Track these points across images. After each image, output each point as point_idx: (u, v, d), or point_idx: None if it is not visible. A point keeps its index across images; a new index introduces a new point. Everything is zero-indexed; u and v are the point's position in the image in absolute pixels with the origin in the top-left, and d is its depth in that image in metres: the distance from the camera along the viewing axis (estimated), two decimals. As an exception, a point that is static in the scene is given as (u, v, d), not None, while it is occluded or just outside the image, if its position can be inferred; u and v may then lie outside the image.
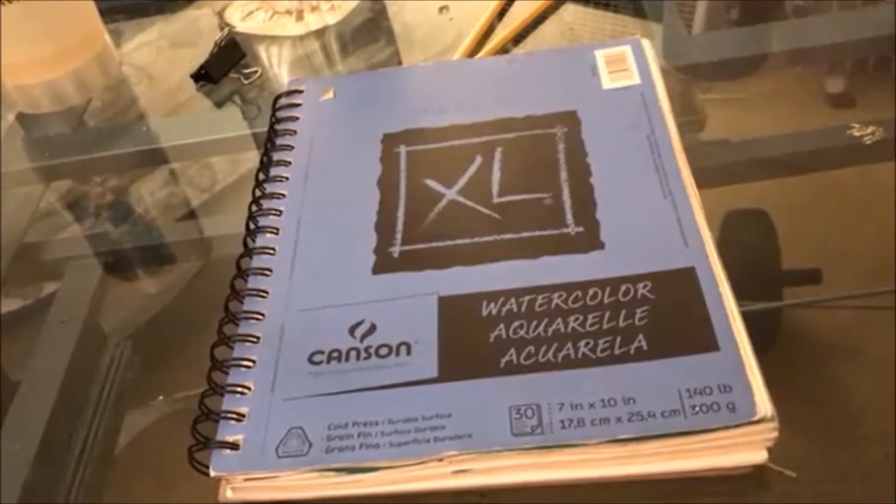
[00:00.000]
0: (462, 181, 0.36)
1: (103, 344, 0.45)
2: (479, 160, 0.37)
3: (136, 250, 0.51)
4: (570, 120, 0.38)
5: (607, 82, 0.39)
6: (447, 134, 0.39)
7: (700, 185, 0.35)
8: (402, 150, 0.38)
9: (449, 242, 0.34)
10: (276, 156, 0.40)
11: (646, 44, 0.41)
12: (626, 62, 0.40)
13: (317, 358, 0.33)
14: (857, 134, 0.45)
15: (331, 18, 0.60)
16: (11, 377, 0.43)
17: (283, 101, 0.43)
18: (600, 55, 0.41)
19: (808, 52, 0.53)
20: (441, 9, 0.60)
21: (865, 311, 0.41)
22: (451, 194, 0.36)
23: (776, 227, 0.42)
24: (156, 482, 0.37)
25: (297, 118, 0.42)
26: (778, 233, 0.42)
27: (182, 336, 0.45)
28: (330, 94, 0.43)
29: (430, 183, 0.36)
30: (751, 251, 0.39)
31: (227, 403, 0.32)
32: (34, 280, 0.51)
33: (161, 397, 0.43)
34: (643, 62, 0.40)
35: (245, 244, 0.37)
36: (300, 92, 0.43)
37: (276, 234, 0.38)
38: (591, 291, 0.33)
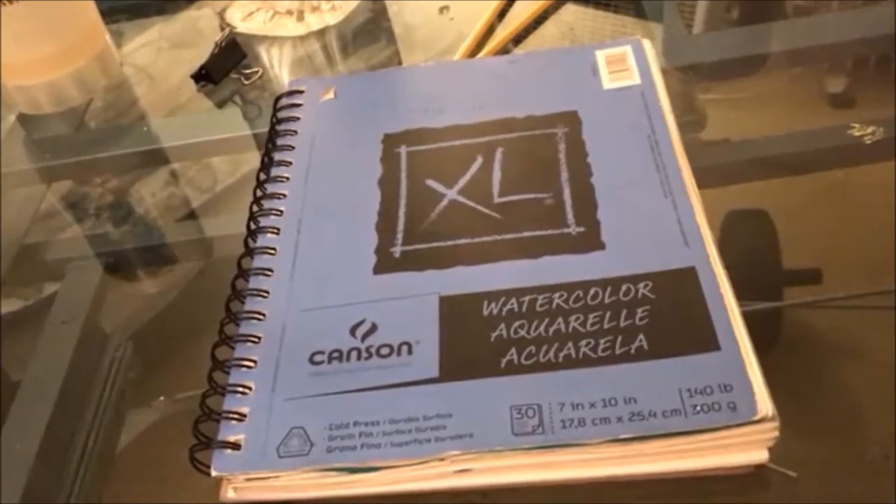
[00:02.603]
0: (463, 181, 0.36)
1: (104, 344, 0.45)
2: (479, 160, 0.37)
3: (137, 251, 0.51)
4: (571, 120, 0.38)
5: (608, 82, 0.39)
6: (448, 134, 0.39)
7: (700, 185, 0.35)
8: (403, 150, 0.38)
9: (450, 242, 0.34)
10: (277, 156, 0.40)
11: (646, 44, 0.41)
12: (627, 62, 0.40)
13: (318, 358, 0.33)
14: (857, 134, 0.45)
15: (331, 19, 0.60)
16: (12, 377, 0.43)
17: (283, 101, 0.43)
18: (601, 55, 0.41)
19: (808, 52, 0.53)
20: (441, 9, 0.60)
21: (865, 311, 0.41)
22: (451, 194, 0.36)
23: (776, 227, 0.42)
24: (157, 482, 0.37)
25: (297, 118, 0.42)
26: (778, 233, 0.42)
27: (183, 336, 0.45)
28: (331, 95, 0.43)
29: (431, 183, 0.36)
30: (751, 251, 0.39)
31: (229, 403, 0.32)
32: (35, 280, 0.51)
33: (162, 397, 0.43)
34: (643, 62, 0.40)
35: (246, 244, 0.37)
36: (301, 92, 0.43)
37: (277, 234, 0.38)
38: (591, 291, 0.33)
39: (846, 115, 0.46)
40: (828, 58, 0.54)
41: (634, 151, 0.36)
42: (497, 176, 0.37)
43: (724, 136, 0.49)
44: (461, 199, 0.36)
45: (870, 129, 0.44)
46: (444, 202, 0.36)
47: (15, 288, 0.50)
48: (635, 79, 0.39)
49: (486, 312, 0.33)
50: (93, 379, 0.43)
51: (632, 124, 0.37)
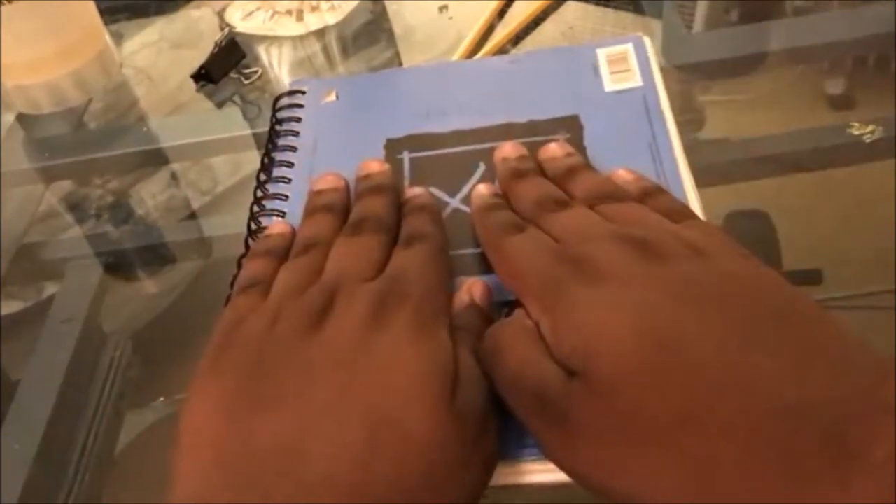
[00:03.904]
0: (465, 189, 0.36)
1: (103, 344, 0.45)
2: (482, 167, 0.37)
3: (137, 250, 0.51)
4: (573, 125, 0.37)
5: (609, 84, 0.39)
6: (450, 140, 0.38)
7: (699, 183, 0.34)
8: (406, 156, 0.38)
9: (453, 253, 0.33)
10: (278, 156, 0.40)
11: (647, 41, 0.41)
12: (628, 62, 0.40)
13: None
14: (856, 132, 0.45)
15: (331, 18, 0.60)
16: (12, 377, 0.44)
17: (284, 100, 0.43)
18: (602, 54, 0.40)
19: (808, 51, 0.53)
20: (441, 8, 0.60)
21: (865, 311, 0.41)
22: (454, 203, 0.36)
23: (776, 227, 0.42)
24: (156, 483, 0.36)
25: (299, 119, 0.41)
26: (778, 233, 0.42)
27: (182, 336, 0.45)
28: (332, 97, 0.42)
29: (434, 191, 0.36)
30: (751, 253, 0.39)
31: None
32: (34, 280, 0.51)
33: (162, 398, 0.43)
34: (645, 62, 0.40)
35: (247, 244, 0.37)
36: (302, 93, 0.43)
37: (279, 235, 0.38)
38: None
39: (845, 117, 0.46)
40: (828, 56, 0.54)
41: (635, 159, 0.35)
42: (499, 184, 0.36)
43: (723, 136, 0.49)
44: (464, 207, 0.35)
45: (869, 128, 0.44)
46: (448, 211, 0.35)
47: (15, 288, 0.50)
48: (637, 80, 0.39)
49: None
50: (92, 379, 0.43)
51: (633, 130, 0.36)
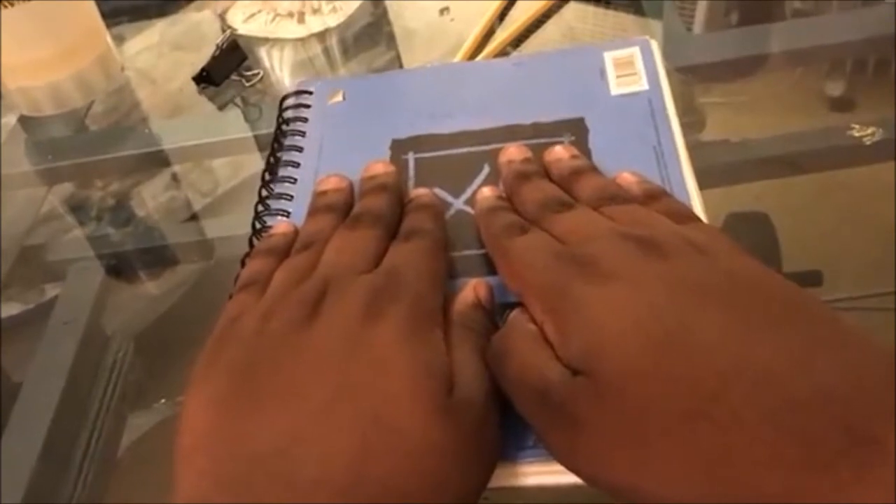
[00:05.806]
0: (470, 190, 0.36)
1: (106, 346, 0.45)
2: (486, 169, 0.37)
3: (139, 252, 0.51)
4: (578, 128, 0.37)
5: (615, 87, 0.39)
6: (455, 141, 0.38)
7: (700, 185, 0.35)
8: (411, 156, 0.38)
9: (456, 254, 0.33)
10: (283, 156, 0.40)
11: (654, 45, 0.41)
12: (635, 66, 0.40)
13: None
14: (856, 134, 0.45)
15: (332, 20, 0.60)
16: (14, 379, 0.43)
17: (291, 101, 0.43)
18: (609, 57, 0.40)
19: (808, 53, 0.54)
20: (442, 10, 0.60)
21: (866, 312, 0.41)
22: (458, 204, 0.36)
23: (776, 229, 0.43)
24: (159, 484, 0.37)
25: (305, 119, 0.41)
26: (778, 235, 0.42)
27: (184, 338, 0.45)
28: (339, 97, 0.42)
29: (438, 192, 0.36)
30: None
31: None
32: (37, 282, 0.51)
33: (164, 400, 0.43)
34: (651, 66, 0.39)
35: (251, 244, 0.37)
36: (309, 93, 0.43)
37: (283, 236, 0.38)
38: None
39: (845, 119, 0.47)
40: (828, 58, 0.55)
41: (639, 162, 0.35)
42: (504, 185, 0.36)
43: (723, 137, 0.50)
44: (468, 209, 0.35)
45: (869, 130, 0.45)
46: (452, 212, 0.35)
47: (17, 290, 0.50)
48: (643, 84, 0.39)
49: None
50: (94, 381, 0.43)
51: (638, 134, 0.36)
